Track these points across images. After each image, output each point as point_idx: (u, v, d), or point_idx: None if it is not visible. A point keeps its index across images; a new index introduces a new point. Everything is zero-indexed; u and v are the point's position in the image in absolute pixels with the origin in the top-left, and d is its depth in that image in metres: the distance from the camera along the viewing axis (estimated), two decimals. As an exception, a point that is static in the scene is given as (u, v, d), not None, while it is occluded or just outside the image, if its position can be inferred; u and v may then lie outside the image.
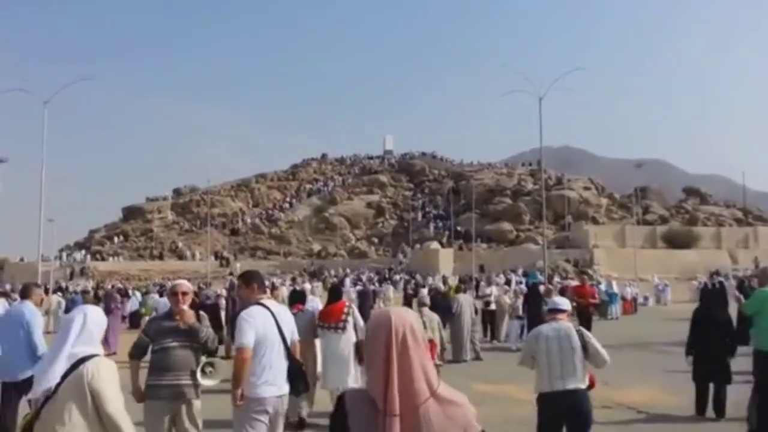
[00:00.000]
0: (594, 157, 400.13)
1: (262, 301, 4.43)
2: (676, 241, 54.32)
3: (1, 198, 28.24)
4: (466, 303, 13.28)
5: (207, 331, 4.57)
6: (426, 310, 9.31)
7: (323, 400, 7.88)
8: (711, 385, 7.63)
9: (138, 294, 23.65)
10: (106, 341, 15.02)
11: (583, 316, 14.73)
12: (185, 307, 4.56)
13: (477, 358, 13.02)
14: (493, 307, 16.12)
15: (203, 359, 4.51)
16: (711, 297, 8.29)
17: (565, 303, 5.25)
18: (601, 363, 4.82)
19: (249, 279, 4.54)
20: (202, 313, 4.94)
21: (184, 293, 4.63)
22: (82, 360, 3.15)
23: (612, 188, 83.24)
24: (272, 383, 4.23)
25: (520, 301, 14.65)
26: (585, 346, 4.72)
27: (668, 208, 71.13)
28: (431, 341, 8.44)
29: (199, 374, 4.42)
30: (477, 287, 35.38)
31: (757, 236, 57.04)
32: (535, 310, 13.56)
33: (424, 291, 12.21)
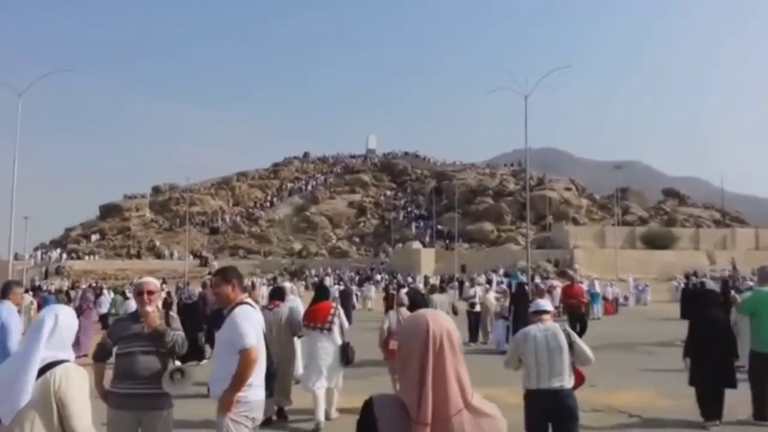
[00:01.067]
0: (574, 158, 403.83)
1: (247, 301, 4.17)
2: (655, 242, 54.78)
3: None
4: (441, 304, 12.83)
5: (175, 334, 4.12)
6: (403, 309, 9.09)
7: (303, 400, 7.69)
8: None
9: (109, 294, 22.93)
10: (77, 342, 14.36)
11: (575, 316, 14.53)
12: (150, 308, 4.12)
13: None
14: (477, 308, 15.77)
15: (171, 365, 4.09)
16: (707, 297, 8.02)
17: (548, 304, 5.46)
18: (585, 361, 5.00)
19: (227, 275, 4.17)
20: (172, 314, 4.48)
21: (150, 292, 4.19)
22: (50, 366, 2.82)
23: (591, 190, 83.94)
24: (261, 386, 4.05)
25: (506, 301, 14.37)
26: (571, 346, 4.88)
27: (647, 209, 71.82)
28: None
29: (165, 382, 3.98)
30: (461, 288, 35.33)
31: (735, 238, 57.72)
32: (521, 310, 13.25)
33: (403, 291, 11.94)
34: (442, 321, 1.71)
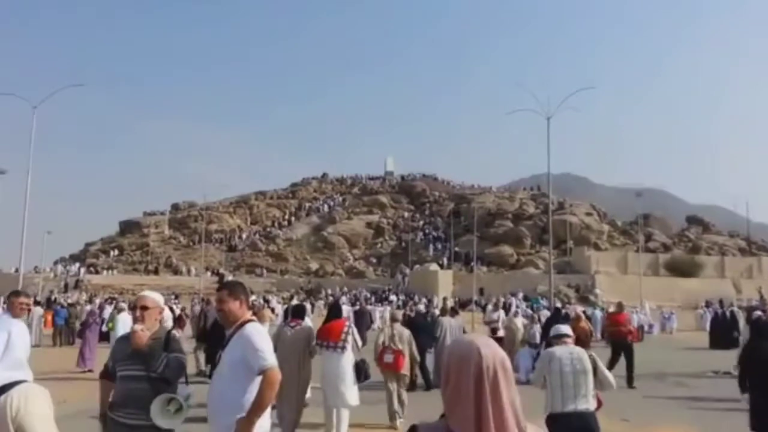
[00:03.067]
0: (593, 184, 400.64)
1: (254, 319, 3.75)
2: (679, 269, 53.64)
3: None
4: (452, 328, 12.40)
5: (166, 357, 3.62)
6: (397, 325, 9.38)
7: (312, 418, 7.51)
8: None
9: (108, 308, 22.45)
10: (82, 357, 14.02)
11: (621, 347, 12.96)
12: (138, 326, 3.68)
13: None
14: (501, 333, 14.73)
15: (166, 394, 3.55)
16: (763, 329, 7.21)
17: (568, 329, 5.63)
18: (607, 387, 5.06)
19: (235, 291, 3.73)
20: (174, 332, 3.93)
21: (144, 308, 3.76)
22: (5, 388, 2.45)
23: (612, 216, 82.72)
24: (269, 413, 3.63)
25: (537, 327, 13.56)
26: (594, 370, 4.95)
27: (671, 236, 70.51)
28: (399, 352, 8.69)
29: (154, 413, 3.46)
30: (484, 311, 34.52)
31: (761, 266, 56.32)
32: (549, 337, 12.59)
33: (389, 309, 11.68)
34: (495, 348, 1.64)
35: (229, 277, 61.31)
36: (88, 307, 19.50)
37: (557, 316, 13.76)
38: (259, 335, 3.56)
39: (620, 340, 13.09)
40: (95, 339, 14.39)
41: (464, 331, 13.41)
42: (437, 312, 15.85)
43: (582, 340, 13.25)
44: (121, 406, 3.60)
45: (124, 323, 11.13)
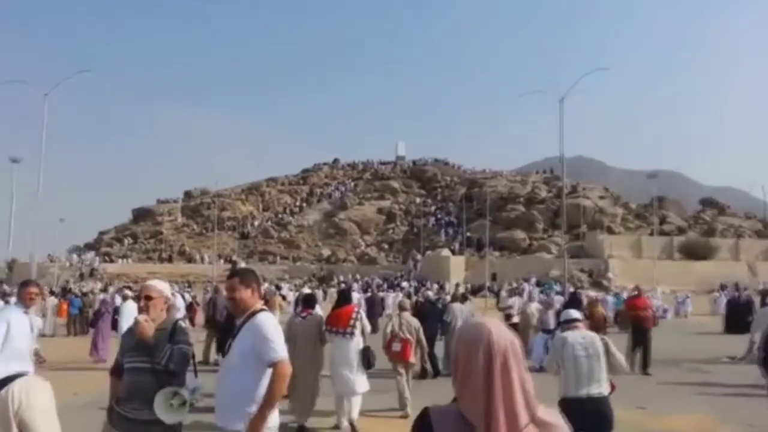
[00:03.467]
0: (607, 167, 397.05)
1: (266, 309, 3.63)
2: (694, 253, 53.03)
3: (14, 198, 27.84)
4: (462, 314, 12.42)
5: (170, 348, 3.50)
6: (405, 314, 9.38)
7: (323, 406, 7.61)
8: None
9: (118, 298, 22.47)
10: (95, 347, 14.02)
11: (640, 332, 12.52)
12: (143, 317, 3.60)
13: None
14: (515, 319, 14.46)
15: (169, 388, 3.46)
16: None
17: (577, 314, 5.72)
18: (619, 370, 5.13)
19: (247, 278, 3.60)
20: (181, 322, 3.85)
21: (148, 297, 3.67)
22: (6, 381, 2.38)
23: (625, 199, 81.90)
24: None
25: (551, 312, 13.29)
26: (607, 354, 5.00)
27: (686, 218, 69.70)
28: (407, 341, 8.74)
29: (158, 407, 3.38)
30: (497, 297, 34.30)
31: (778, 249, 55.56)
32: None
33: (402, 296, 11.64)
34: (505, 330, 1.64)
35: (242, 265, 61.57)
36: (101, 296, 19.58)
37: (574, 301, 13.38)
38: (271, 326, 3.45)
39: (640, 325, 12.69)
40: (108, 328, 14.46)
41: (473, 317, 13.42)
42: (448, 298, 15.75)
43: (598, 325, 13.11)
44: (127, 400, 3.54)
45: (129, 313, 10.84)
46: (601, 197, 72.57)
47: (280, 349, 3.38)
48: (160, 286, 3.85)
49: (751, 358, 12.22)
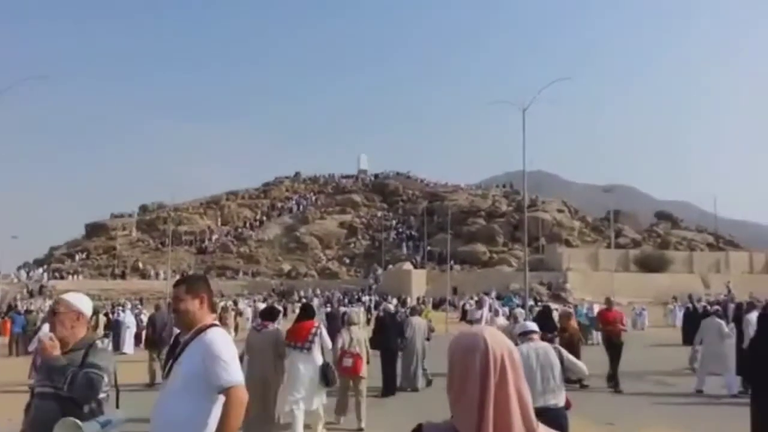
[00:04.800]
0: (563, 181, 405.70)
1: (218, 324, 3.10)
2: (649, 265, 54.17)
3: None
4: (419, 327, 12.38)
5: (73, 373, 3.01)
6: (354, 328, 9.26)
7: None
8: None
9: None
10: (34, 366, 13.13)
11: (613, 346, 12.20)
12: (47, 335, 3.12)
13: (428, 384, 12.15)
14: None
15: (67, 419, 2.91)
16: None
17: (534, 325, 5.78)
18: (579, 373, 5.23)
19: (195, 287, 3.05)
20: (97, 343, 3.28)
21: (54, 312, 3.22)
22: None
23: (582, 213, 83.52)
24: None
25: (517, 327, 13.12)
26: (562, 362, 5.00)
27: (640, 231, 71.39)
28: (358, 355, 8.68)
29: None
30: (463, 311, 34.13)
31: (729, 261, 57.25)
32: (544, 337, 11.94)
33: (353, 309, 11.43)
34: (502, 338, 1.57)
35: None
36: (42, 314, 18.57)
37: (546, 316, 13.17)
38: (224, 343, 2.89)
39: (612, 339, 12.46)
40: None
41: (432, 330, 13.50)
42: (407, 312, 15.42)
43: (573, 339, 12.81)
44: (30, 428, 3.05)
45: (44, 333, 10.19)
46: (560, 210, 73.80)
47: (234, 372, 2.83)
48: (72, 300, 3.34)
49: (693, 367, 12.31)
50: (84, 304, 3.37)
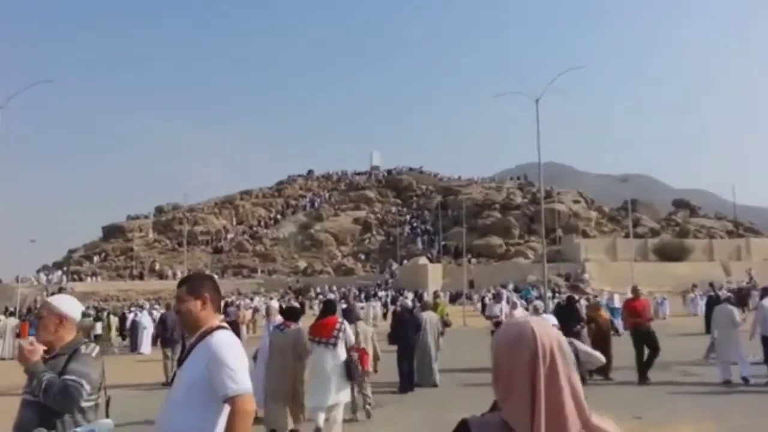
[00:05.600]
0: (578, 172, 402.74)
1: (225, 326, 2.87)
2: (668, 254, 53.48)
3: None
4: (430, 322, 12.15)
5: (48, 380, 2.85)
6: (360, 323, 9.58)
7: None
8: None
9: None
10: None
11: (642, 336, 11.53)
12: (27, 341, 2.97)
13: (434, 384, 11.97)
14: None
15: (40, 430, 2.80)
16: None
17: (552, 318, 5.77)
18: (597, 362, 5.21)
19: (195, 287, 2.85)
20: (81, 349, 3.10)
21: (40, 317, 3.09)
22: None
23: (598, 203, 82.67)
24: None
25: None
26: (577, 356, 4.96)
27: (659, 220, 70.49)
28: (363, 350, 8.61)
29: None
30: (483, 305, 33.87)
31: (750, 248, 56.35)
32: (569, 330, 10.95)
33: (371, 304, 11.37)
34: (550, 329, 1.50)
35: (218, 280, 60.20)
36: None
37: (571, 308, 12.48)
38: (230, 348, 2.66)
39: (642, 331, 11.74)
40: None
41: (446, 324, 13.48)
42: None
43: (603, 330, 12.35)
44: None
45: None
46: (576, 201, 73.09)
47: (241, 380, 2.60)
48: (54, 303, 3.17)
49: (712, 356, 12.00)
50: (68, 306, 3.21)
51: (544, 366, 1.44)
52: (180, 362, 2.83)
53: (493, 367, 1.52)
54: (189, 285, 2.87)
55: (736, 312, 11.86)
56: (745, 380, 10.69)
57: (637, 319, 11.84)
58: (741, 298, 25.66)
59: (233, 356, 2.64)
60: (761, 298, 12.82)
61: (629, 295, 13.12)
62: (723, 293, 24.38)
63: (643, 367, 11.40)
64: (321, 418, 7.35)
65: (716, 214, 75.74)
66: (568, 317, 11.83)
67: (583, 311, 15.10)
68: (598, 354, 5.11)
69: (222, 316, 3.09)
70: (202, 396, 2.61)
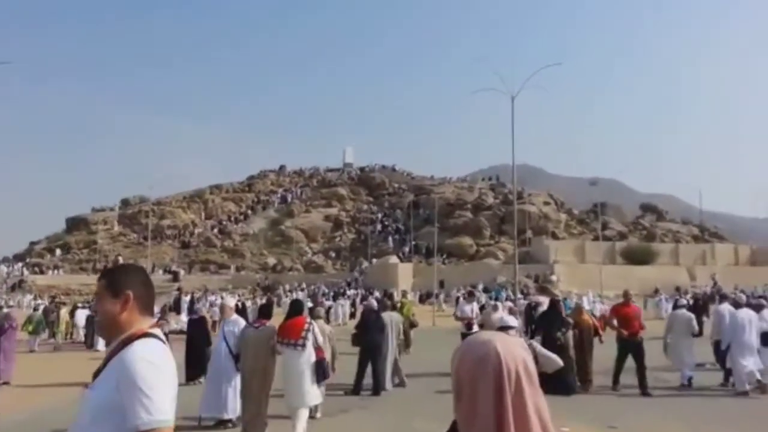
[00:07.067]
0: (548, 174, 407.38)
1: (154, 333, 2.19)
2: (635, 257, 54.17)
3: None
4: (391, 322, 11.83)
5: None
6: (319, 321, 9.36)
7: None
8: None
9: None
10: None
11: (630, 346, 10.79)
12: None
13: (401, 383, 11.73)
14: (476, 329, 12.82)
15: None
16: None
17: (513, 320, 5.78)
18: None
19: (119, 282, 2.22)
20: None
21: None
22: None
23: (568, 206, 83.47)
24: None
25: (496, 318, 12.35)
26: (535, 357, 4.78)
27: (626, 224, 71.46)
28: (320, 348, 8.26)
29: None
30: (457, 305, 33.57)
31: (715, 253, 57.45)
32: (551, 335, 10.71)
33: (328, 303, 11.13)
34: (515, 349, 1.46)
35: (182, 275, 59.08)
36: (5, 310, 17.66)
37: (555, 311, 11.64)
38: (149, 366, 2.02)
39: (629, 339, 10.92)
40: (12, 346, 12.83)
41: (412, 325, 13.74)
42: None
43: (586, 334, 11.56)
44: None
45: None
46: (546, 203, 73.64)
47: (156, 409, 1.97)
48: None
49: (668, 359, 11.94)
50: None
51: (510, 389, 1.35)
52: (94, 375, 2.19)
53: (454, 384, 1.42)
54: (109, 279, 2.25)
55: (694, 319, 11.96)
56: (689, 383, 11.22)
57: (632, 331, 10.99)
58: (703, 305, 25.82)
59: (152, 376, 2.01)
60: (719, 304, 12.84)
61: (610, 300, 12.76)
62: (682, 301, 24.59)
63: (617, 375, 11.17)
64: (300, 421, 7.26)
65: (683, 219, 77.15)
66: (552, 321, 11.27)
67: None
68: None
69: (153, 320, 2.41)
70: (110, 423, 2.00)
